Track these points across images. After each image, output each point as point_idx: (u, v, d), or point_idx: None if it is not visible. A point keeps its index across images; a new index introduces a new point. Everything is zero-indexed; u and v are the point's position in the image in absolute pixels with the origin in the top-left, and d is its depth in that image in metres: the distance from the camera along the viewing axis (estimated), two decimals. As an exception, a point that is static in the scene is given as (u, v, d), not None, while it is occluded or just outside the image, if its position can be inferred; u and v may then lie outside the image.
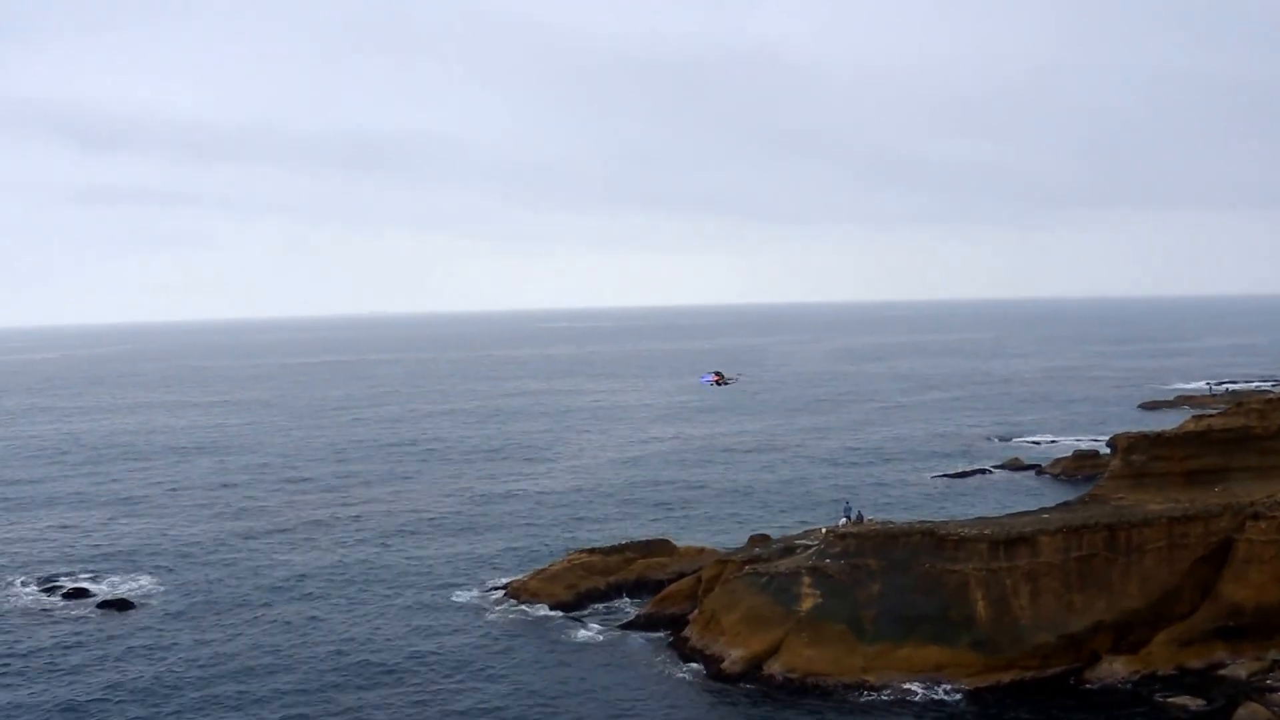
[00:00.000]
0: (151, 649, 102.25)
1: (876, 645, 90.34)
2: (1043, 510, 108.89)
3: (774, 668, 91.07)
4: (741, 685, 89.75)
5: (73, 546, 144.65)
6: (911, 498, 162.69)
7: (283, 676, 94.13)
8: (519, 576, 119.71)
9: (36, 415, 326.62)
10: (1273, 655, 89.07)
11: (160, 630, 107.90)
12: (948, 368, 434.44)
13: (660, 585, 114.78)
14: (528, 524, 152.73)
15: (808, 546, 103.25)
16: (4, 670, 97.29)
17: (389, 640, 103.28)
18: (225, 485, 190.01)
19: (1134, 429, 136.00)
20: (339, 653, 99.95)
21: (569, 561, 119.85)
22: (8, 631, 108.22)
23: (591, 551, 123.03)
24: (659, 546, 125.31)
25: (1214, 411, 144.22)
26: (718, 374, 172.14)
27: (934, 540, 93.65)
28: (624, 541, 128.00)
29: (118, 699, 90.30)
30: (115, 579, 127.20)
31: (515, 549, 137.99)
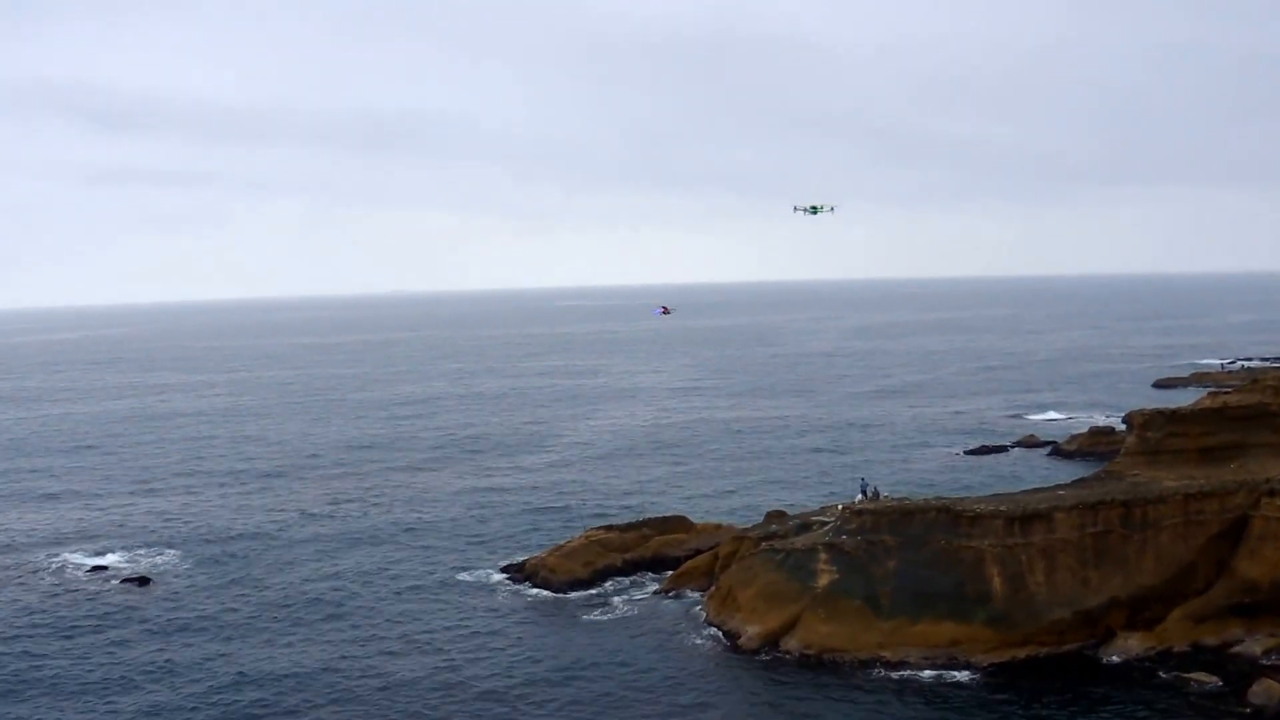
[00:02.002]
0: (169, 624, 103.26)
1: (892, 621, 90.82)
2: (1058, 487, 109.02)
3: (790, 643, 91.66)
4: (758, 661, 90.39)
5: (93, 524, 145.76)
6: (928, 474, 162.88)
7: (299, 655, 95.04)
8: (537, 553, 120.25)
9: (56, 395, 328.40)
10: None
11: (178, 605, 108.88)
12: (963, 345, 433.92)
13: (677, 562, 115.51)
14: (545, 501, 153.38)
15: (824, 523, 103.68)
16: (24, 645, 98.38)
17: (407, 616, 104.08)
18: (243, 464, 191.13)
19: (1150, 406, 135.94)
20: (356, 629, 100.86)
21: (586, 538, 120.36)
22: (29, 607, 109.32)
23: (609, 528, 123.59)
24: (676, 523, 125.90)
25: (1230, 388, 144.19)
26: (665, 307, 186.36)
27: (950, 517, 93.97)
28: (641, 518, 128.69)
29: (134, 673, 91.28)
30: (135, 555, 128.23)
31: (533, 526, 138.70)
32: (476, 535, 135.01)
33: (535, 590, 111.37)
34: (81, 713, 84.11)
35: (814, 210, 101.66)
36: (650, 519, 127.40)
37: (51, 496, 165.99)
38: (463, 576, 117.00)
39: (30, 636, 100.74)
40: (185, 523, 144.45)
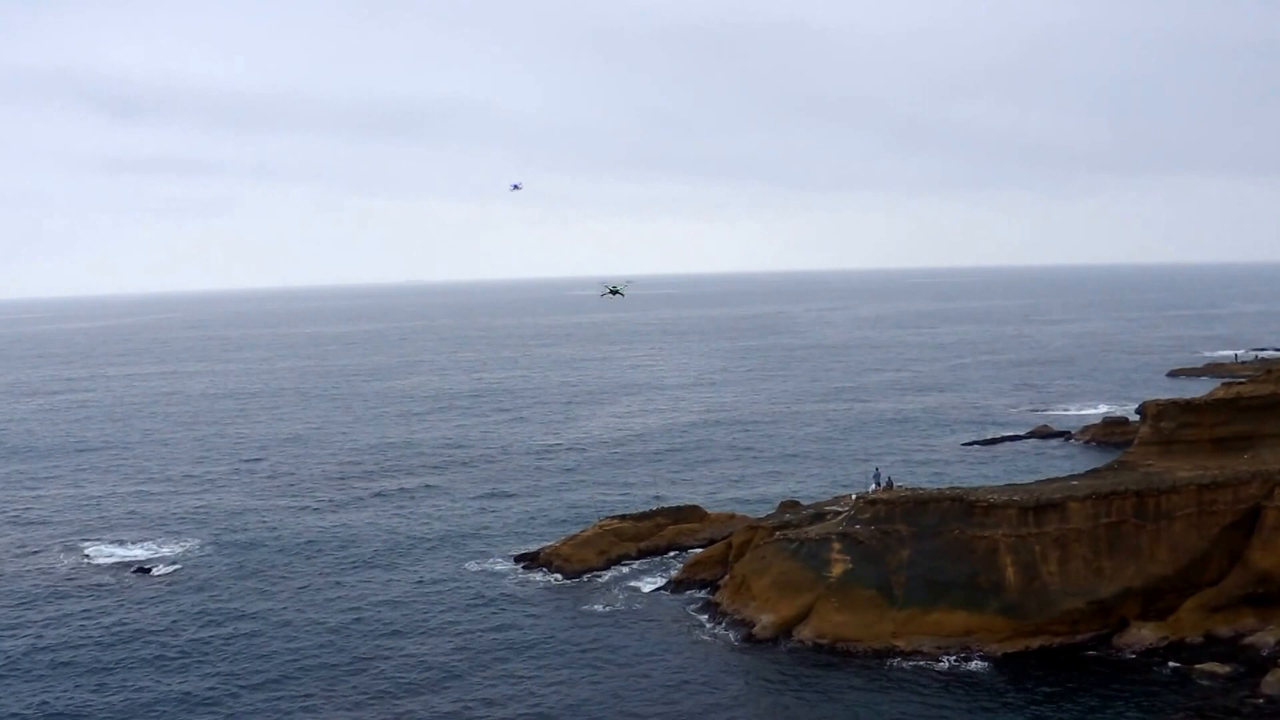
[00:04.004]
0: (182, 612, 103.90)
1: (906, 611, 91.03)
2: (1072, 477, 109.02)
3: (804, 633, 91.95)
4: (772, 650, 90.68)
5: (107, 513, 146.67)
6: (941, 464, 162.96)
7: (311, 643, 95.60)
8: (551, 543, 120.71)
9: (69, 385, 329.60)
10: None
11: (191, 594, 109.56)
12: (977, 335, 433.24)
13: (691, 551, 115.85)
14: (559, 490, 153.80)
15: (838, 513, 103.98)
16: (38, 633, 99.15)
17: (420, 607, 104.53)
18: (256, 453, 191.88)
19: (1163, 396, 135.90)
20: (369, 618, 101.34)
21: (600, 528, 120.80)
22: (43, 595, 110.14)
23: (623, 518, 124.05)
24: (690, 513, 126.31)
25: (1243, 379, 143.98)
26: (517, 184, 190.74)
27: (964, 506, 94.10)
28: (655, 508, 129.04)
29: (146, 660, 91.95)
30: (148, 544, 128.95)
31: (546, 515, 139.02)
32: (490, 525, 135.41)
33: (549, 580, 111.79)
34: (99, 707, 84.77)
35: (614, 291, 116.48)
36: (664, 508, 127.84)
37: (63, 484, 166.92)
38: (477, 566, 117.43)
39: (43, 626, 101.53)
40: (199, 514, 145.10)
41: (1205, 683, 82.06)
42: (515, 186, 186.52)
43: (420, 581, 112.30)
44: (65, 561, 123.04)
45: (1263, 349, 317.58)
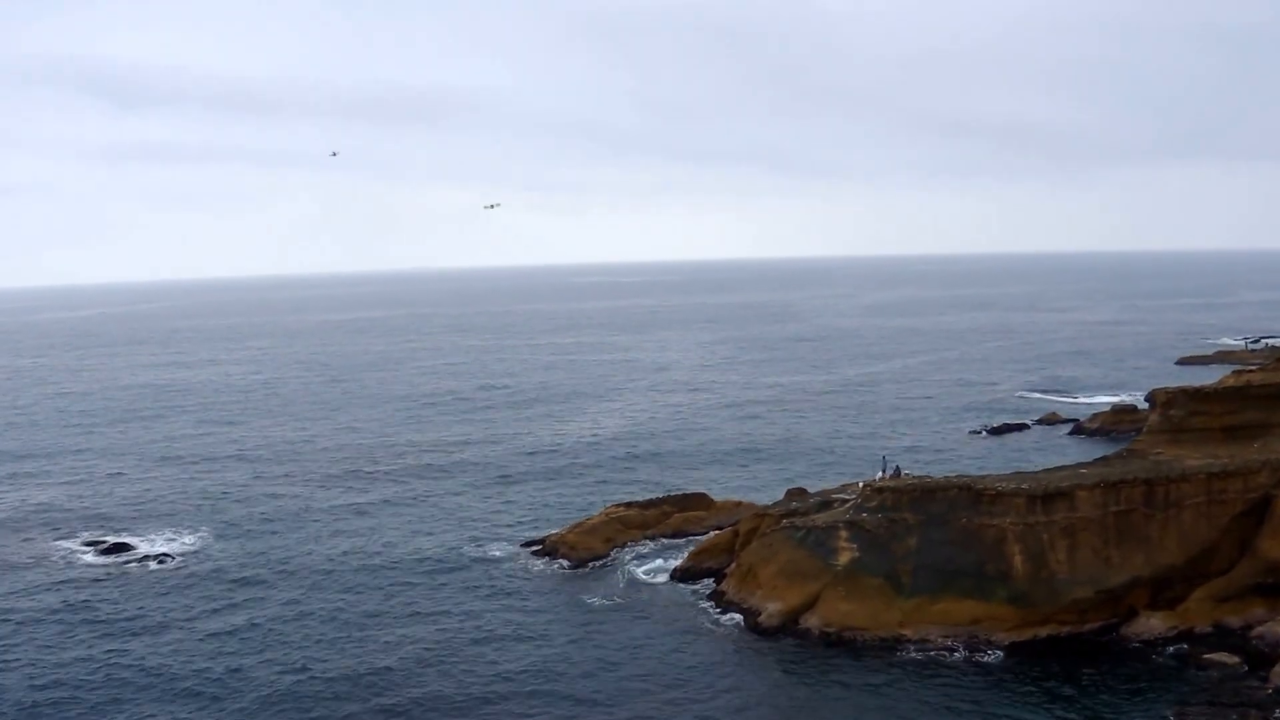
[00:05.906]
0: (187, 604, 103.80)
1: (913, 599, 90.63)
2: (1080, 465, 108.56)
3: (811, 621, 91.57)
4: (778, 638, 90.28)
5: (112, 504, 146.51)
6: (949, 452, 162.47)
7: (318, 634, 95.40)
8: (557, 530, 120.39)
9: (74, 373, 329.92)
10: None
11: (199, 584, 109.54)
12: (985, 322, 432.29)
13: (697, 538, 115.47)
14: (564, 478, 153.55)
15: (845, 501, 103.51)
16: (41, 623, 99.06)
17: (426, 594, 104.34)
18: (261, 444, 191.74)
19: (1172, 384, 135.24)
20: (377, 608, 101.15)
21: (606, 515, 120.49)
22: (47, 587, 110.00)
23: (628, 505, 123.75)
24: (696, 500, 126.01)
25: (1253, 367, 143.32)
26: (334, 153, 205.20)
27: (971, 495, 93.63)
28: (661, 495, 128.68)
29: (148, 658, 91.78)
30: (154, 535, 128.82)
31: (552, 503, 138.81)
32: (497, 512, 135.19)
33: (555, 566, 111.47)
34: (104, 700, 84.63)
35: (491, 206, 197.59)
36: (670, 496, 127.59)
37: (68, 474, 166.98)
38: (483, 553, 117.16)
39: (45, 616, 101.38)
40: (205, 507, 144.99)
41: (1214, 673, 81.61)
42: (333, 154, 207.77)
43: (427, 569, 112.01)
44: (66, 556, 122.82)
45: (1273, 336, 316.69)
